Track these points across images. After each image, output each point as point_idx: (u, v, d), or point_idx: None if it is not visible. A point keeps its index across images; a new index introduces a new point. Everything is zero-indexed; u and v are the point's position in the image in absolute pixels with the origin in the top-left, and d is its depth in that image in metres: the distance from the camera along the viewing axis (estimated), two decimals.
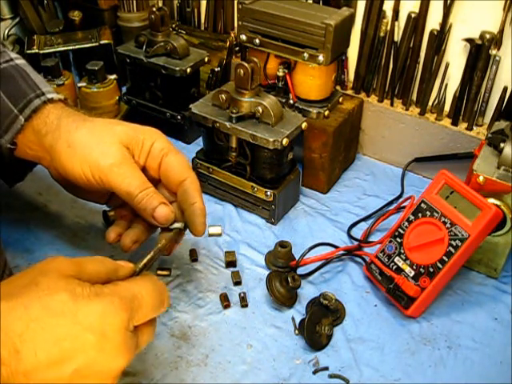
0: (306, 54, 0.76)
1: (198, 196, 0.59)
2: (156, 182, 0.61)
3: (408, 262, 0.64)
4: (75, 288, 0.41)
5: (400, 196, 0.83)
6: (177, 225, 0.58)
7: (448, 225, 0.63)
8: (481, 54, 0.77)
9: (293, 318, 0.63)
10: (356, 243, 0.73)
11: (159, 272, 0.68)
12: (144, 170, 0.59)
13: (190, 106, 0.76)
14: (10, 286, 0.40)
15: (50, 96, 0.60)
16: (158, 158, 0.59)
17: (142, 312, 0.44)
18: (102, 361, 0.40)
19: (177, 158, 0.60)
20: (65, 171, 0.58)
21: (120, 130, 0.59)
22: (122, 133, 0.58)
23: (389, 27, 0.83)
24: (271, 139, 0.69)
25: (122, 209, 0.63)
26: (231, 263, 0.70)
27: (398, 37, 0.83)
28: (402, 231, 0.66)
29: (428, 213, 0.65)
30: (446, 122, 0.83)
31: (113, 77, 0.88)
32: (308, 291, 0.67)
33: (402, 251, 0.65)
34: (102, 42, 0.94)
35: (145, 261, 0.50)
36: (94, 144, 0.56)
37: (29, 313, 0.38)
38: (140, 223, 0.62)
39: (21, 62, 0.63)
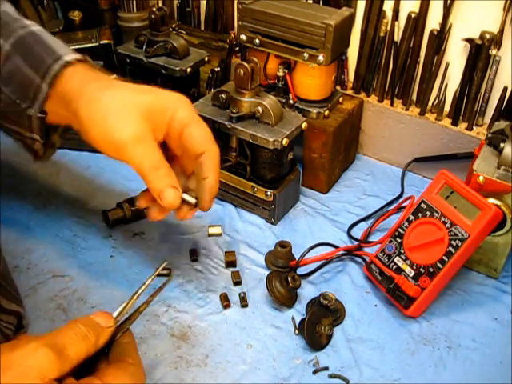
0: (305, 54, 0.76)
1: (211, 171, 0.57)
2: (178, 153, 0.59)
3: (408, 262, 0.65)
4: None
5: (400, 196, 0.83)
6: (188, 198, 0.57)
7: (448, 225, 0.63)
8: (481, 54, 0.77)
9: (293, 318, 0.63)
10: (356, 243, 0.73)
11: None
12: (166, 141, 0.58)
13: None
14: None
15: (67, 58, 0.58)
16: (179, 128, 0.57)
17: None
18: None
19: (198, 129, 0.57)
20: (89, 141, 0.56)
21: (141, 100, 0.56)
22: (144, 104, 0.55)
23: (389, 27, 0.83)
24: (271, 139, 0.69)
25: None
26: (231, 263, 0.70)
27: (398, 37, 0.83)
28: (401, 231, 0.66)
29: (428, 213, 0.65)
30: (446, 121, 0.83)
31: (113, 77, 0.88)
32: (308, 291, 0.67)
33: (402, 251, 0.65)
34: (102, 42, 0.94)
35: (124, 327, 0.49)
36: (112, 117, 0.54)
37: None
38: None
39: (36, 28, 0.61)
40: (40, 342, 0.41)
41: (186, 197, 0.57)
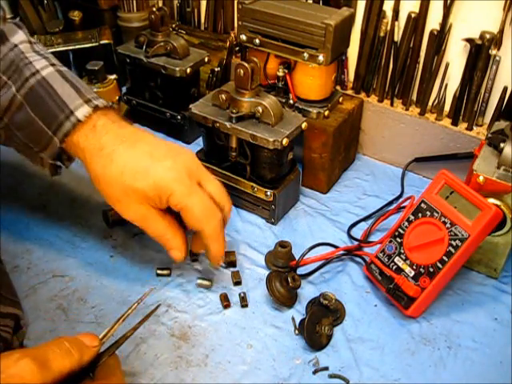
0: (305, 54, 0.76)
1: (212, 243, 0.63)
2: None
3: (408, 262, 0.64)
4: None
5: (400, 196, 0.83)
6: (203, 282, 0.68)
7: (448, 225, 0.63)
8: (481, 53, 0.77)
9: (293, 318, 0.63)
10: (356, 243, 0.73)
11: (159, 272, 0.68)
12: None
13: (190, 106, 0.76)
14: None
15: (78, 115, 0.61)
16: (177, 210, 0.61)
17: None
18: None
19: (191, 212, 0.60)
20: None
21: (138, 188, 0.59)
22: (140, 192, 0.59)
23: (389, 27, 0.83)
24: (271, 139, 0.69)
25: None
26: (231, 263, 0.70)
27: (398, 37, 0.83)
28: (401, 231, 0.66)
29: (428, 213, 0.65)
30: (446, 121, 0.83)
31: (113, 77, 0.88)
32: (308, 291, 0.67)
33: (402, 251, 0.65)
34: (102, 42, 0.94)
35: (110, 351, 0.49)
36: (115, 201, 0.61)
37: None
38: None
39: (47, 72, 0.63)
40: (23, 354, 0.42)
41: (200, 281, 0.67)
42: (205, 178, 0.63)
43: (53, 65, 0.64)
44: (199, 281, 0.67)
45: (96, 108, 0.62)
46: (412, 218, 0.66)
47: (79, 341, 0.46)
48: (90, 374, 0.47)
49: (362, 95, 0.89)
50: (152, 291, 0.62)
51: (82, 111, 0.61)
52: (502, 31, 0.75)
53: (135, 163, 0.60)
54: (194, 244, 0.66)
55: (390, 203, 0.81)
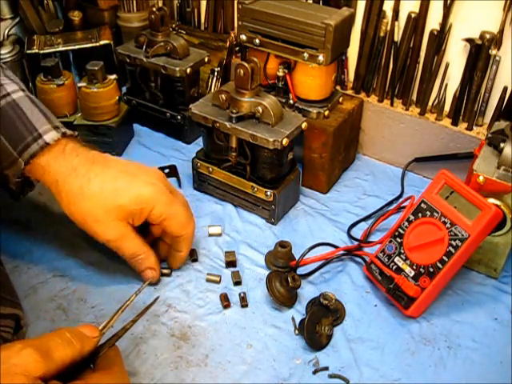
0: (305, 54, 0.76)
1: (185, 248, 0.67)
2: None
3: (408, 262, 0.64)
4: None
5: (400, 196, 0.83)
6: (164, 271, 0.69)
7: (448, 225, 0.63)
8: (481, 54, 0.77)
9: (293, 318, 0.63)
10: (356, 243, 0.73)
11: (163, 272, 0.68)
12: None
13: (190, 106, 0.76)
14: None
15: (47, 139, 0.61)
16: (157, 221, 0.64)
17: None
18: None
19: (174, 221, 0.64)
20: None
21: (119, 205, 0.61)
22: (122, 209, 0.61)
23: (389, 27, 0.83)
24: (271, 139, 0.69)
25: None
26: (231, 263, 0.70)
27: (398, 37, 0.83)
28: (401, 231, 0.66)
29: (428, 213, 0.65)
30: (446, 121, 0.83)
31: (113, 77, 0.88)
32: (308, 291, 0.67)
33: (402, 251, 0.65)
34: (102, 42, 0.94)
35: (110, 343, 0.49)
36: (93, 222, 0.61)
37: None
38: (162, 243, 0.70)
39: (18, 96, 0.63)
40: (25, 344, 0.42)
41: (209, 276, 0.69)
42: (173, 189, 0.67)
43: (23, 90, 0.65)
44: (208, 276, 0.68)
45: (64, 134, 0.63)
46: (412, 217, 0.66)
47: (80, 331, 0.47)
48: (91, 365, 0.47)
49: (362, 95, 0.89)
50: (149, 282, 0.64)
51: (51, 135, 0.62)
52: (502, 31, 0.75)
53: (113, 181, 0.61)
54: (161, 251, 0.69)
55: (390, 203, 0.81)
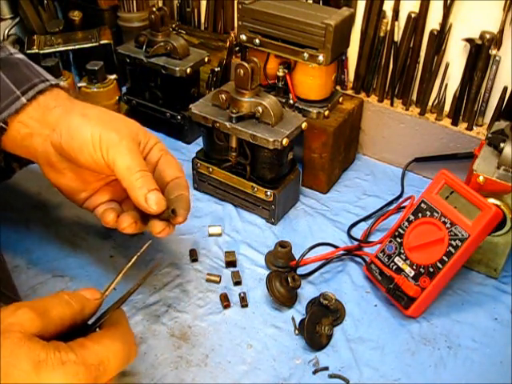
0: (306, 54, 0.76)
1: (186, 190, 0.61)
2: None
3: (408, 262, 0.65)
4: (39, 354, 0.39)
5: (400, 196, 0.83)
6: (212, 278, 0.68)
7: (448, 225, 0.63)
8: (481, 53, 0.77)
9: (293, 318, 0.63)
10: (356, 243, 0.73)
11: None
12: None
13: (190, 106, 0.76)
14: None
15: (55, 83, 0.62)
16: (158, 155, 0.62)
17: (107, 375, 0.43)
18: None
19: (174, 159, 0.63)
20: (69, 141, 0.56)
21: (131, 122, 0.61)
22: (133, 125, 0.60)
23: (389, 27, 0.83)
24: (271, 139, 0.69)
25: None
26: (231, 263, 0.70)
27: (398, 37, 0.83)
28: (401, 231, 0.66)
29: (428, 213, 0.65)
30: (446, 121, 0.83)
31: (113, 77, 0.88)
32: (308, 291, 0.67)
33: (402, 251, 0.65)
34: (102, 42, 0.94)
35: (115, 307, 0.48)
36: (108, 120, 0.58)
37: None
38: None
39: (21, 56, 0.64)
40: (20, 304, 0.42)
41: (209, 276, 0.68)
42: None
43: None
44: (208, 276, 0.68)
45: (69, 91, 0.64)
46: (412, 217, 0.66)
47: (80, 294, 0.46)
48: (97, 329, 0.46)
49: (362, 95, 0.89)
50: (150, 245, 0.54)
51: (59, 82, 0.63)
52: (502, 31, 0.75)
53: (110, 114, 0.61)
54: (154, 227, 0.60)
55: (390, 203, 0.81)
